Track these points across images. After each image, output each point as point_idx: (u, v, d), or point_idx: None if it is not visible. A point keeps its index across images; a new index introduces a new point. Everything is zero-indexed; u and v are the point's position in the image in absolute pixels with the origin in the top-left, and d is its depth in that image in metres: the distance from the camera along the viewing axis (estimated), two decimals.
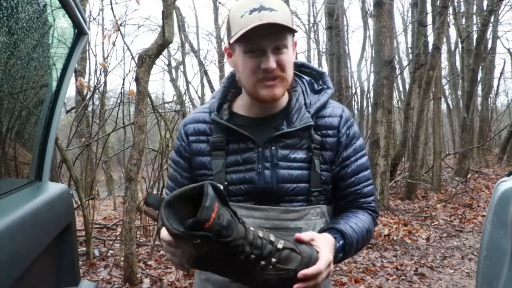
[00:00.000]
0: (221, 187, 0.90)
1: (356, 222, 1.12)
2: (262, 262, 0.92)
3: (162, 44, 3.57)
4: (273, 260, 0.92)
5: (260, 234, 0.94)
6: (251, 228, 0.93)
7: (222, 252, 0.90)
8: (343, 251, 1.06)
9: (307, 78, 1.19)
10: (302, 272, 0.93)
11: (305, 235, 0.99)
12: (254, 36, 1.01)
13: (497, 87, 17.84)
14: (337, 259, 1.06)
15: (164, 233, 0.96)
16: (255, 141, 1.10)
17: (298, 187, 1.10)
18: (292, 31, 1.06)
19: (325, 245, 1.00)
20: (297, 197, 1.10)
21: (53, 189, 1.26)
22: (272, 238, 0.94)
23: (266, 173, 1.09)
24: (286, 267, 0.93)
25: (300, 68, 1.22)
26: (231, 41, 1.05)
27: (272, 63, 1.03)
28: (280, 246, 0.93)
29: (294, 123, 1.10)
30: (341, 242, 1.06)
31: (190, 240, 0.87)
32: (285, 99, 1.14)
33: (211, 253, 0.90)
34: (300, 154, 1.10)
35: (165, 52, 11.05)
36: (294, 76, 1.17)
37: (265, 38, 1.02)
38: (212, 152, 1.13)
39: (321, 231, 1.08)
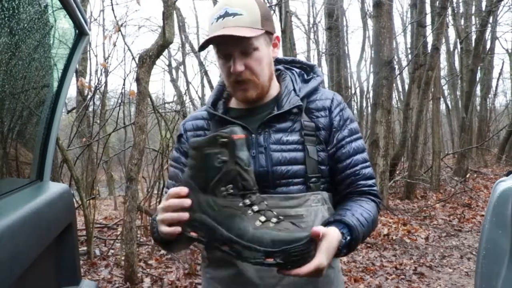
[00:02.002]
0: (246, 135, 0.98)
1: (362, 213, 1.08)
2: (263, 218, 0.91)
3: (163, 45, 3.58)
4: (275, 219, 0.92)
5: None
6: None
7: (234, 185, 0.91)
8: (349, 247, 1.04)
9: (298, 70, 1.22)
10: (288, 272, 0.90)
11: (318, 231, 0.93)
12: (219, 43, 1.07)
13: (496, 87, 17.85)
14: (340, 255, 1.04)
15: (170, 191, 0.97)
16: (248, 128, 1.12)
17: (293, 169, 1.10)
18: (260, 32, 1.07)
19: (326, 249, 0.94)
20: (294, 179, 1.10)
21: (54, 188, 1.27)
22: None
23: (260, 157, 1.10)
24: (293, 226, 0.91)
25: (291, 64, 1.25)
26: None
27: (238, 67, 1.07)
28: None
29: (283, 107, 1.12)
30: (348, 238, 1.03)
31: (213, 146, 0.92)
32: (276, 89, 1.18)
33: (226, 176, 0.91)
34: (294, 137, 1.11)
35: (165, 53, 11.06)
36: (284, 70, 1.21)
37: (229, 44, 1.06)
38: None
39: (327, 223, 1.05)
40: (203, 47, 1.10)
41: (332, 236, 0.98)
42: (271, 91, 1.16)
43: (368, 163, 1.16)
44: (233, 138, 0.93)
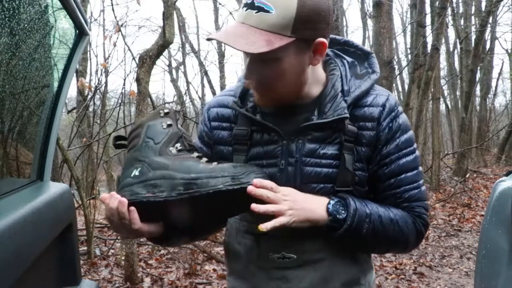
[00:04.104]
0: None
1: (378, 207, 0.94)
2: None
3: (163, 45, 3.58)
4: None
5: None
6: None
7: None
8: (345, 220, 0.90)
9: (349, 60, 1.01)
10: (257, 181, 0.86)
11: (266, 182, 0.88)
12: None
13: (496, 87, 17.78)
14: (338, 226, 0.90)
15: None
16: (279, 132, 0.95)
17: (326, 188, 0.94)
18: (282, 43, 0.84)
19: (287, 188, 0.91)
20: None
21: (54, 188, 1.27)
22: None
23: (289, 170, 0.95)
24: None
25: (344, 46, 1.04)
26: None
27: (247, 75, 0.90)
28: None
29: (326, 114, 0.93)
30: (335, 202, 0.92)
31: (155, 118, 0.97)
32: (319, 84, 0.98)
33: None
34: (331, 150, 0.94)
35: (165, 53, 11.06)
36: (333, 57, 1.01)
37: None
38: (234, 146, 1.00)
39: None
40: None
41: (306, 194, 0.93)
42: (313, 90, 0.96)
43: (416, 184, 0.97)
44: (174, 110, 0.99)
